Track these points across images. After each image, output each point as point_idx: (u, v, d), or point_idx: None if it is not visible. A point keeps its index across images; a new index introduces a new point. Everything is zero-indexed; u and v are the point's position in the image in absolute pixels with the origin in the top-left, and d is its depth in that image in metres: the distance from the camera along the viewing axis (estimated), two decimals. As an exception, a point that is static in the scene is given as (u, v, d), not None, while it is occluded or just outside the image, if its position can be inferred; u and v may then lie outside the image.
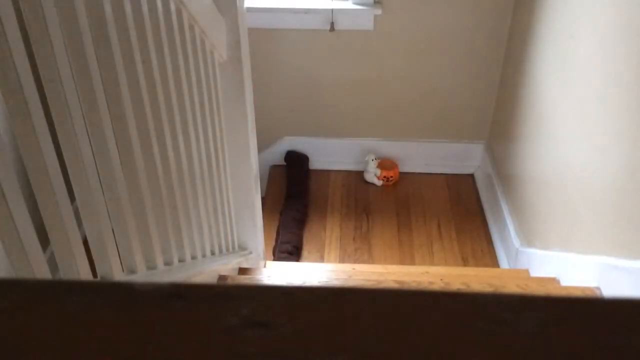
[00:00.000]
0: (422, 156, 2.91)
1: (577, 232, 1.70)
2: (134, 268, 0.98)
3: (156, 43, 1.02)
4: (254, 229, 1.89)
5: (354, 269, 2.14)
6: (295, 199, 2.69)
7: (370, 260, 2.47)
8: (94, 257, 0.86)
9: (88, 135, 0.80)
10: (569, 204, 1.75)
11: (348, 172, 2.93)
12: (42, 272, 0.70)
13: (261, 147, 2.50)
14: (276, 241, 2.47)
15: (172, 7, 1.09)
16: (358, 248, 2.53)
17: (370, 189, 2.85)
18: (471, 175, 2.94)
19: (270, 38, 2.57)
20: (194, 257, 1.31)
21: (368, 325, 0.23)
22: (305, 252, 2.49)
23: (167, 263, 1.15)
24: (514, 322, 0.23)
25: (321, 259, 2.47)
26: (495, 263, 2.45)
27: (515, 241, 2.23)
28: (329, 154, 2.93)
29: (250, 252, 1.92)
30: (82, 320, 0.23)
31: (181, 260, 1.23)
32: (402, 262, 2.46)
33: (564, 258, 1.77)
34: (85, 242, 0.83)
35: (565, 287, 1.71)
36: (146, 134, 0.99)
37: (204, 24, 1.28)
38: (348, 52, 2.59)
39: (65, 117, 0.74)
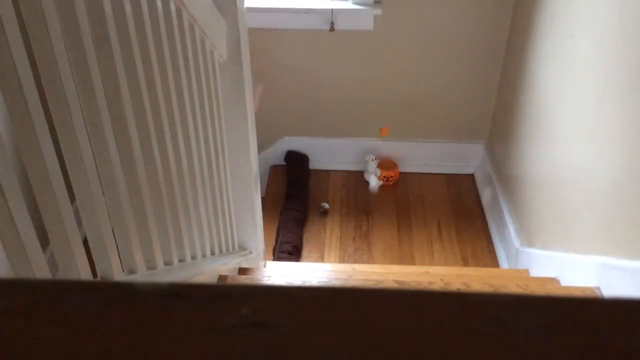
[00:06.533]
0: (422, 156, 2.91)
1: (577, 232, 1.70)
2: (134, 268, 0.98)
3: (156, 43, 1.02)
4: (254, 229, 1.89)
5: (354, 269, 2.14)
6: (295, 199, 2.69)
7: (370, 260, 2.47)
8: (94, 257, 0.86)
9: (88, 135, 0.80)
10: (569, 204, 1.75)
11: (348, 172, 2.93)
12: (42, 272, 0.70)
13: (261, 147, 2.50)
14: (276, 241, 2.47)
15: (172, 7, 1.09)
16: (358, 248, 2.53)
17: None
18: (471, 175, 2.94)
19: (270, 38, 2.57)
20: (194, 257, 1.31)
21: (368, 325, 0.23)
22: (305, 252, 2.49)
23: (167, 263, 1.15)
24: (514, 322, 0.23)
25: (321, 259, 2.47)
26: (495, 263, 2.45)
27: (515, 241, 2.23)
28: (329, 154, 2.93)
29: (250, 252, 1.92)
30: (82, 320, 0.23)
31: (181, 260, 1.23)
32: (402, 262, 2.46)
33: (564, 258, 1.77)
34: (85, 242, 0.83)
35: (565, 287, 1.71)
36: (146, 134, 0.99)
37: (204, 24, 1.28)
38: (348, 52, 2.59)
39: (65, 117, 0.74)
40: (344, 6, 2.44)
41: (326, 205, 2.71)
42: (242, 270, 1.82)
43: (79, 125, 0.76)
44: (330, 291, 0.25)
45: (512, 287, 1.74)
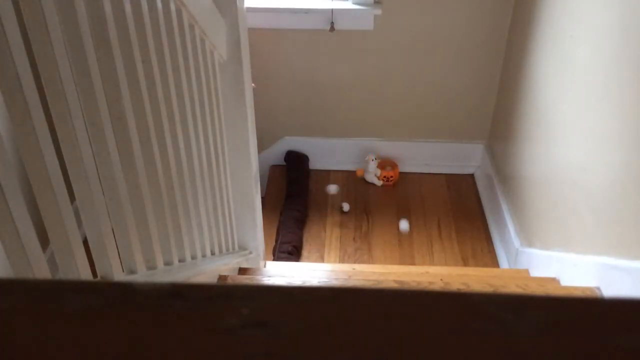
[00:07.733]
0: (422, 156, 2.91)
1: (577, 232, 1.70)
2: (134, 268, 0.98)
3: (156, 43, 1.02)
4: (254, 229, 1.89)
5: (354, 269, 2.14)
6: (295, 199, 2.69)
7: (370, 260, 2.47)
8: (94, 257, 0.86)
9: (88, 135, 0.80)
10: (569, 204, 1.75)
11: (348, 172, 2.93)
12: (42, 272, 0.70)
13: (261, 147, 2.50)
14: (276, 241, 2.47)
15: (172, 7, 1.09)
16: (358, 248, 2.53)
17: (370, 189, 2.85)
18: (471, 175, 2.94)
19: (270, 38, 2.57)
20: (194, 257, 1.31)
21: (368, 325, 0.23)
22: (305, 252, 2.49)
23: (167, 263, 1.15)
24: (514, 323, 0.23)
25: (321, 259, 2.47)
26: (495, 263, 2.45)
27: (515, 241, 2.23)
28: (329, 154, 2.93)
29: (250, 252, 1.92)
30: (82, 320, 0.23)
31: (181, 261, 1.23)
32: (402, 262, 2.45)
33: (564, 258, 1.77)
34: (85, 242, 0.83)
35: (565, 287, 1.71)
36: (146, 134, 0.99)
37: (204, 24, 1.28)
38: (348, 52, 2.59)
39: (65, 117, 0.74)
40: (344, 6, 2.44)
41: (346, 207, 2.70)
42: (242, 270, 1.82)
43: (79, 125, 0.76)
44: (330, 291, 0.25)
45: (512, 287, 1.74)
